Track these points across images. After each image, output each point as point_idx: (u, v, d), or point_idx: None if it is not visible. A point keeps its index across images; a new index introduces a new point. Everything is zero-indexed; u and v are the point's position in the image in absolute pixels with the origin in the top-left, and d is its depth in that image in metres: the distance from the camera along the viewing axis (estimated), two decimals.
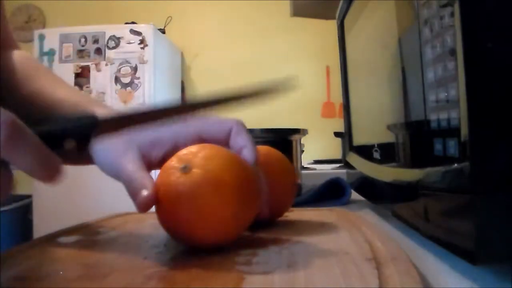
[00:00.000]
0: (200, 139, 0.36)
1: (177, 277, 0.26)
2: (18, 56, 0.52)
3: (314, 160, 1.99)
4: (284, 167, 0.43)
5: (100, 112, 0.39)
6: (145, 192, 0.31)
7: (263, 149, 0.40)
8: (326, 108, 2.77)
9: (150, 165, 0.36)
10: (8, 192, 0.26)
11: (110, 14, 2.79)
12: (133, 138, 0.37)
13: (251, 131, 0.69)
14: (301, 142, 0.78)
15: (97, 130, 0.29)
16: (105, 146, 0.37)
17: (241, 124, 0.37)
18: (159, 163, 0.36)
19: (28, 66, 0.51)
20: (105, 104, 0.46)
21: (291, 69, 2.80)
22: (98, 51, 2.35)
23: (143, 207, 0.31)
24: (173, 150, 0.34)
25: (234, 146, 0.36)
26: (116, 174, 0.35)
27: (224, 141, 0.36)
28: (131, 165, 0.35)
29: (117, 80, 2.33)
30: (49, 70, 0.53)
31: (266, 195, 0.36)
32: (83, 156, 0.38)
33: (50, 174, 0.26)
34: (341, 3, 0.69)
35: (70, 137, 0.28)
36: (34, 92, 0.47)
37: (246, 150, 0.35)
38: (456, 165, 0.26)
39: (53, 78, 0.50)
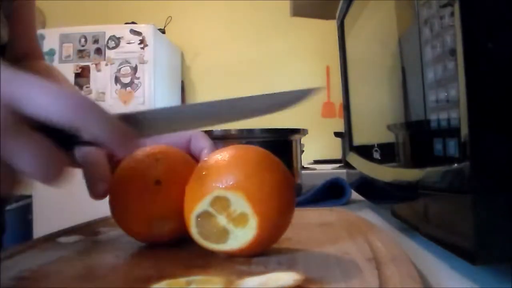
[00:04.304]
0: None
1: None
2: (41, 66, 0.56)
3: (314, 160, 1.99)
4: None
5: None
6: (103, 185, 0.35)
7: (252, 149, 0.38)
8: (326, 108, 2.77)
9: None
10: (7, 190, 0.25)
11: (110, 14, 2.79)
12: None
13: (251, 131, 0.69)
14: (301, 142, 0.78)
15: None
16: None
17: (199, 133, 0.41)
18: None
19: (47, 74, 0.54)
20: None
21: (291, 69, 2.80)
22: (98, 51, 2.35)
23: (99, 197, 0.35)
24: None
25: (195, 150, 0.40)
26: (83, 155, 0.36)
27: (185, 148, 0.41)
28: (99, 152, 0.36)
29: (117, 80, 2.33)
30: (63, 77, 0.56)
31: None
32: None
33: (51, 172, 0.26)
34: (341, 3, 0.69)
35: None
36: None
37: (205, 151, 0.39)
38: (456, 165, 0.26)
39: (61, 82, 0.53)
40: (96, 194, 0.35)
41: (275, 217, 0.30)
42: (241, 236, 0.29)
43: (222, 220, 0.30)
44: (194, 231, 0.31)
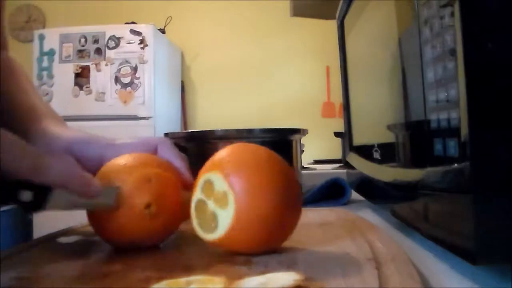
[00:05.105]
0: None
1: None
2: (4, 57, 0.54)
3: (314, 160, 1.99)
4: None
5: (56, 129, 0.43)
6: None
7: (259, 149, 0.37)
8: (326, 108, 2.77)
9: None
10: None
11: (110, 14, 2.79)
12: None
13: (251, 131, 0.69)
14: (301, 142, 0.78)
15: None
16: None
17: (166, 142, 0.42)
18: None
19: (8, 69, 0.53)
20: (61, 119, 0.49)
21: (291, 69, 2.80)
22: (98, 51, 2.35)
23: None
24: (99, 166, 0.37)
25: (162, 158, 0.40)
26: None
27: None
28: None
29: (117, 80, 2.33)
30: (25, 74, 0.55)
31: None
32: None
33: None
34: (341, 3, 0.69)
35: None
36: (11, 92, 0.49)
37: (178, 161, 0.39)
38: (456, 165, 0.26)
39: (27, 84, 0.52)
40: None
41: (252, 194, 0.29)
42: (224, 218, 0.29)
43: (211, 205, 0.30)
44: (195, 222, 0.32)
